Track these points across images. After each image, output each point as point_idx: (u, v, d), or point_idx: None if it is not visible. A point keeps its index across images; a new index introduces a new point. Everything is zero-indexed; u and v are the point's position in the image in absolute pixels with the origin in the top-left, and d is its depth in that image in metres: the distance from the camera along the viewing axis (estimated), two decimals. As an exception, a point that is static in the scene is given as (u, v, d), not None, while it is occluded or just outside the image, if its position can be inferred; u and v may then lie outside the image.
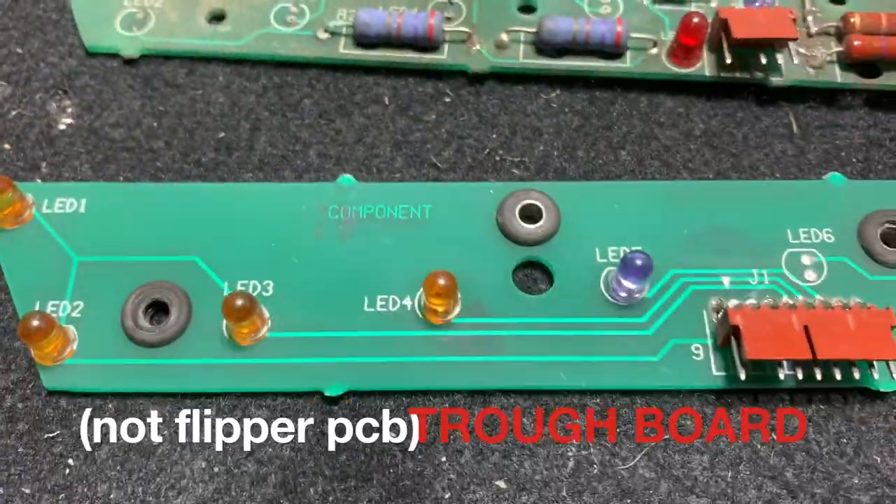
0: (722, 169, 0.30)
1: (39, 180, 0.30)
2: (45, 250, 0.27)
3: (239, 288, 0.27)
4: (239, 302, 0.24)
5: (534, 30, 0.31)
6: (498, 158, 0.30)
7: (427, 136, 0.31)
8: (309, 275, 0.27)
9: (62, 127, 0.31)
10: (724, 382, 0.25)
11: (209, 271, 0.27)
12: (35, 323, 0.24)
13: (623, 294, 0.26)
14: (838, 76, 0.31)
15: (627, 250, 0.27)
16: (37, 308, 0.26)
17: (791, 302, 0.25)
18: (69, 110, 0.31)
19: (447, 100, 0.32)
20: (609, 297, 0.26)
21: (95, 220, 0.28)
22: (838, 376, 0.25)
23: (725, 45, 0.30)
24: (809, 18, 0.31)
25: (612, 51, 0.31)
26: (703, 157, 0.30)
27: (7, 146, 0.31)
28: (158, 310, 0.27)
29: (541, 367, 0.26)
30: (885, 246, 0.27)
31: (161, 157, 0.30)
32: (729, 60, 0.30)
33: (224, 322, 0.26)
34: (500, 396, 0.26)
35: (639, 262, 0.25)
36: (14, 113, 0.31)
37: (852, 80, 0.31)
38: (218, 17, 0.33)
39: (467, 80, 0.32)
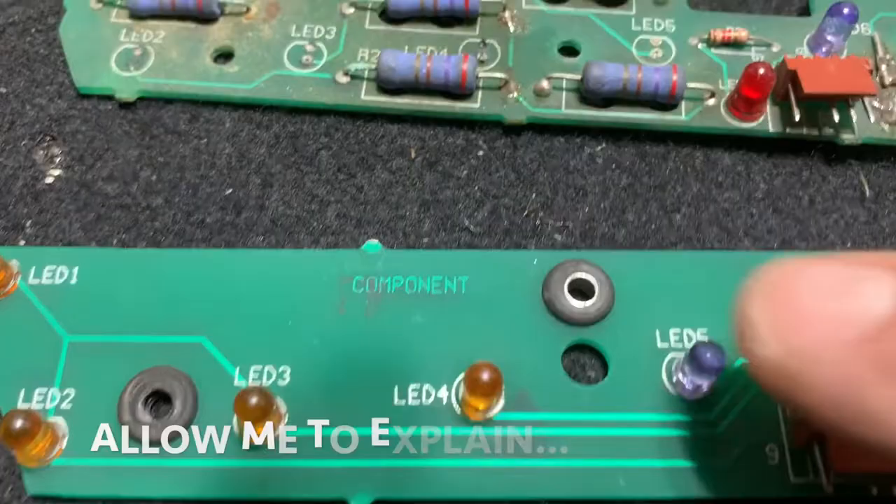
0: (788, 237, 0.27)
1: (24, 242, 0.26)
2: (31, 328, 0.24)
3: (251, 375, 0.23)
4: (253, 400, 0.21)
5: (578, 76, 0.28)
6: (538, 222, 0.27)
7: (458, 194, 0.28)
8: (330, 359, 0.24)
9: (50, 180, 0.28)
10: (804, 491, 0.22)
11: (217, 355, 0.24)
12: (19, 424, 0.21)
13: (689, 388, 0.23)
14: None
15: (693, 333, 0.24)
16: (21, 397, 0.23)
17: None
18: (58, 160, 0.28)
19: (480, 153, 0.28)
20: (671, 390, 0.23)
21: (89, 293, 0.25)
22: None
23: (793, 100, 0.27)
24: (883, 67, 0.28)
25: (666, 101, 0.28)
26: (767, 223, 0.27)
27: (-13, 201, 0.27)
28: (159, 399, 0.23)
29: (596, 473, 0.22)
30: None
31: (160, 217, 0.27)
32: (798, 117, 0.27)
33: (235, 416, 0.22)
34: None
35: (710, 359, 0.22)
36: (-5, 163, 0.28)
37: None
38: (225, 56, 0.30)
39: (503, 130, 0.29)
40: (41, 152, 0.28)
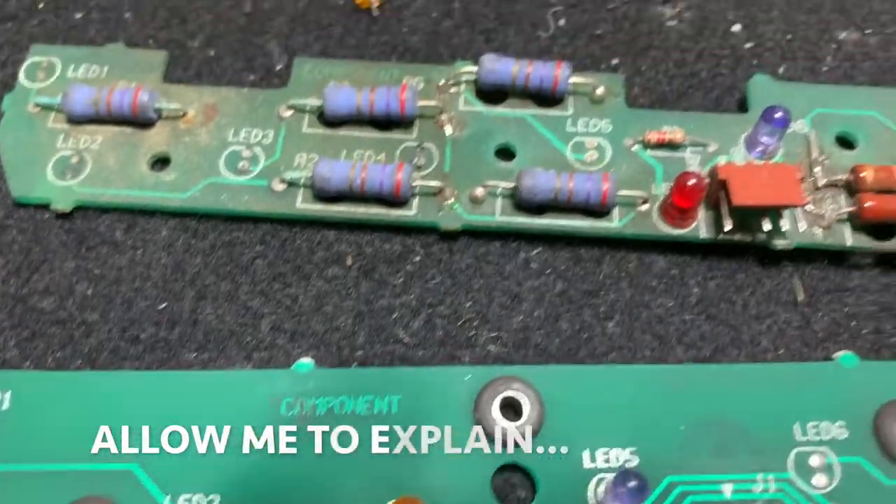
0: (721, 344, 0.27)
1: (-43, 362, 0.26)
2: None
3: (181, 502, 0.23)
4: None
5: (512, 183, 0.28)
6: (472, 333, 0.27)
7: (394, 303, 0.28)
8: (259, 486, 0.24)
9: (-15, 295, 0.28)
10: None
11: (148, 483, 0.24)
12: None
13: (614, 515, 0.23)
14: (848, 238, 0.28)
15: (621, 453, 0.24)
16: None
17: None
18: (-6, 273, 0.28)
19: (417, 258, 0.29)
20: (599, 514, 0.23)
21: (22, 419, 0.24)
22: None
23: (724, 209, 0.27)
24: (817, 170, 0.28)
25: (598, 209, 0.28)
26: (700, 329, 0.27)
27: (-81, 319, 0.27)
28: None
29: None
30: None
31: (95, 333, 0.27)
32: (728, 227, 0.27)
33: None
34: None
35: (633, 486, 0.22)
36: (-71, 277, 0.28)
37: (864, 242, 0.28)
38: (162, 162, 0.30)
39: (440, 235, 0.29)
40: (-23, 264, 0.28)
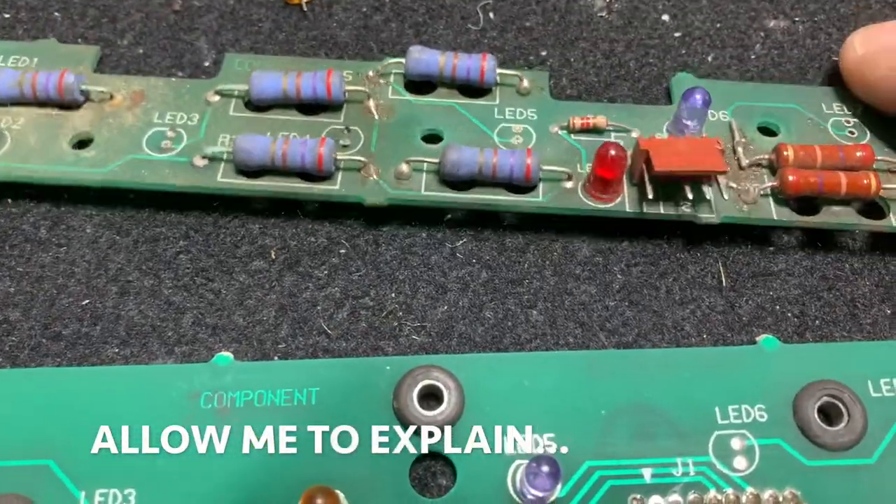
0: (643, 330, 0.27)
1: None
2: None
3: (97, 499, 0.23)
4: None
5: (437, 160, 0.28)
6: (396, 323, 0.27)
7: (317, 295, 0.28)
8: (177, 482, 0.23)
9: None
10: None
11: (64, 478, 0.24)
12: None
13: (531, 499, 0.23)
14: (773, 213, 0.28)
15: (540, 439, 0.24)
16: None
17: (719, 499, 0.23)
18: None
19: (342, 251, 0.28)
20: (517, 499, 0.23)
21: None
22: None
23: (647, 178, 0.27)
24: (740, 150, 0.29)
25: (522, 184, 0.28)
26: (623, 316, 0.27)
27: None
28: None
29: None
30: (822, 425, 0.24)
31: (17, 331, 0.27)
32: (651, 195, 0.27)
33: None
34: None
35: (545, 474, 0.22)
36: None
37: (787, 216, 0.28)
38: (84, 143, 0.29)
39: (365, 224, 0.29)
40: None
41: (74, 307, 0.27)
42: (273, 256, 0.28)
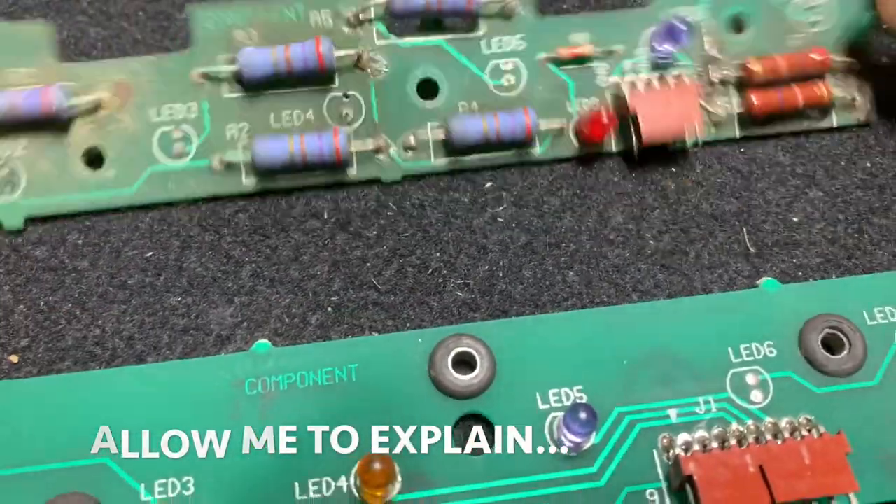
0: (673, 292, 0.29)
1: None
2: None
3: (157, 489, 0.24)
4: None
5: (441, 127, 0.30)
6: (441, 280, 0.29)
7: (367, 253, 0.29)
8: (231, 464, 0.25)
9: (-19, 244, 0.29)
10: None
11: (122, 473, 0.25)
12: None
13: (570, 445, 0.25)
14: (737, 131, 0.31)
15: (570, 392, 0.26)
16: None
17: (741, 430, 0.25)
18: None
19: (389, 213, 0.30)
20: (556, 448, 0.25)
21: None
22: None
23: (634, 136, 0.30)
24: (710, 67, 0.31)
25: (524, 142, 0.30)
26: (655, 279, 0.29)
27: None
28: None
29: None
30: (827, 354, 0.27)
31: (85, 279, 0.29)
32: (637, 156, 0.31)
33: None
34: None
35: (583, 419, 0.24)
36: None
37: (752, 130, 0.31)
38: (96, 158, 0.29)
39: (411, 188, 0.31)
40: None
41: (139, 259, 0.29)
42: (326, 216, 0.30)
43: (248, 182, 0.30)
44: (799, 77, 0.31)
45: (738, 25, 0.32)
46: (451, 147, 0.30)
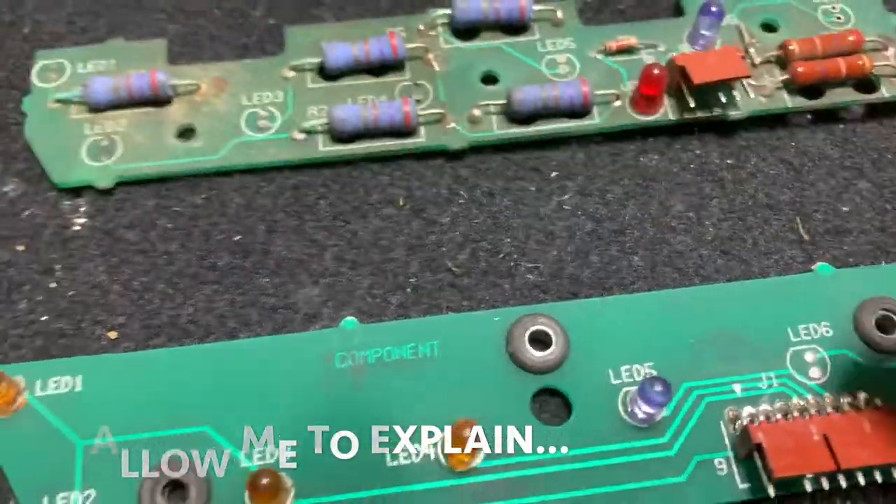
0: (733, 276, 0.30)
1: (54, 284, 0.30)
2: (45, 437, 0.26)
3: (255, 455, 0.26)
4: (264, 481, 0.24)
5: (502, 101, 0.32)
6: (512, 264, 0.31)
7: (441, 238, 0.31)
8: (325, 433, 0.26)
9: (76, 227, 0.31)
10: (750, 494, 0.26)
11: (222, 441, 0.26)
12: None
13: (643, 417, 0.26)
14: (787, 101, 0.33)
15: (641, 368, 0.28)
16: None
17: (802, 404, 0.27)
18: (82, 209, 0.31)
19: (461, 201, 0.32)
20: (629, 420, 0.27)
21: (95, 398, 0.27)
22: (861, 481, 0.25)
23: (686, 90, 0.32)
24: (752, 50, 0.34)
25: (581, 110, 0.32)
26: (716, 264, 0.31)
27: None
28: (176, 489, 0.25)
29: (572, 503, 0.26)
30: (882, 334, 0.28)
31: (177, 261, 0.30)
32: (692, 104, 0.32)
33: (247, 495, 0.25)
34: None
35: (658, 392, 0.26)
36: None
37: (800, 103, 0.33)
38: (187, 133, 0.32)
39: (480, 177, 0.32)
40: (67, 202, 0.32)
41: (227, 241, 0.31)
42: (401, 203, 0.32)
43: (324, 149, 0.32)
44: (836, 54, 0.33)
45: (769, 28, 0.35)
46: (512, 117, 0.32)
